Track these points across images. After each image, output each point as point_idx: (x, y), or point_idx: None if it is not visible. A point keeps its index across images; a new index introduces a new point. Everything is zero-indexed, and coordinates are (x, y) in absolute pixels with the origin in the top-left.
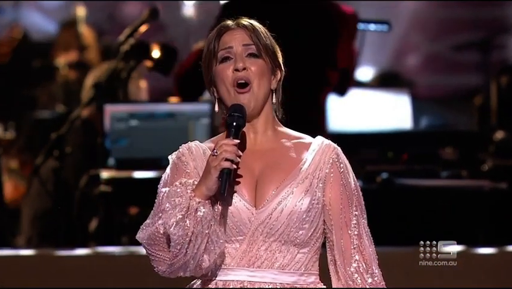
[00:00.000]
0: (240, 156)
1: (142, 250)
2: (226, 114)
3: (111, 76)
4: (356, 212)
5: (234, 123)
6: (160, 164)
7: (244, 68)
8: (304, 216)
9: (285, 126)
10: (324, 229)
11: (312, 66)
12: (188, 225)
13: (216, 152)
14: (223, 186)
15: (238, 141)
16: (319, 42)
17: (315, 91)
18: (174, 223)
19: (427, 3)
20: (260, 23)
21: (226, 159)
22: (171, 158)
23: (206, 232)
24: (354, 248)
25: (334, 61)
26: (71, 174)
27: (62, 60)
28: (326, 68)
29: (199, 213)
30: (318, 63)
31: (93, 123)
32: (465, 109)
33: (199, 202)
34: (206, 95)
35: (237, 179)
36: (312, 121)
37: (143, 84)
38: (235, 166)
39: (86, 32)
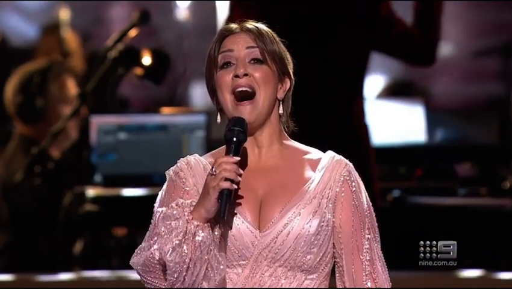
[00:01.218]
0: (240, 175)
1: (131, 275)
2: (226, 128)
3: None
4: (369, 236)
5: (234, 139)
6: (151, 181)
7: (245, 74)
8: (312, 239)
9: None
10: (333, 253)
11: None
12: (186, 251)
13: (215, 171)
14: (223, 209)
15: (239, 158)
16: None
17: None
18: (171, 249)
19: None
20: (269, 27)
21: (226, 179)
22: (168, 173)
23: (206, 257)
24: (366, 275)
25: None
26: (53, 192)
27: None
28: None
29: (197, 238)
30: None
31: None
32: (484, 121)
33: (197, 226)
34: (200, 104)
35: (239, 200)
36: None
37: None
38: (235, 186)
39: (70, 37)
